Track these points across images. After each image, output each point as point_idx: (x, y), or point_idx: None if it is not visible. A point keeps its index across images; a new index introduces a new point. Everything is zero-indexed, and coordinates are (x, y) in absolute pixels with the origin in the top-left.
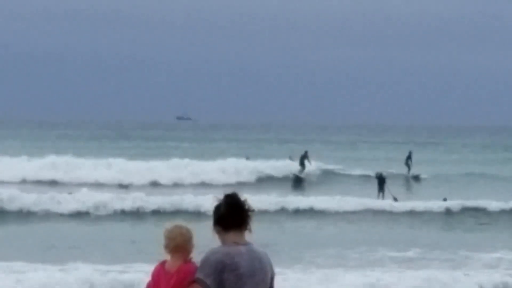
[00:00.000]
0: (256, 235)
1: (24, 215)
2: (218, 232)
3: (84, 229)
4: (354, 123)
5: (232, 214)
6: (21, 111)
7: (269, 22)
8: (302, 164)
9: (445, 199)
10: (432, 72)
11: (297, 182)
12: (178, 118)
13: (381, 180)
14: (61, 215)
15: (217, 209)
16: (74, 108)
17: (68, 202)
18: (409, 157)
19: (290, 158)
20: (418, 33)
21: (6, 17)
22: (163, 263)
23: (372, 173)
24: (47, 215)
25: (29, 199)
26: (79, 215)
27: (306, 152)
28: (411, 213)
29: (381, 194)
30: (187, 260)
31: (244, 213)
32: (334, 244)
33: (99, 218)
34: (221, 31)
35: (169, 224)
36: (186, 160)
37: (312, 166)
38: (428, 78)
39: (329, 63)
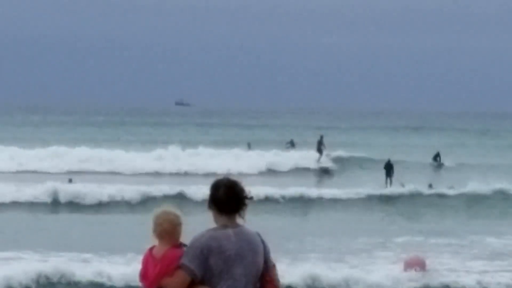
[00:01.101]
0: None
1: None
2: (212, 211)
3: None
4: (357, 108)
5: (230, 200)
6: (18, 96)
7: (270, 6)
8: (319, 150)
9: (430, 185)
10: (438, 57)
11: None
12: (177, 103)
13: (388, 168)
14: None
15: (216, 189)
16: (71, 94)
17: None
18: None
19: (248, 145)
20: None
21: None
22: (151, 249)
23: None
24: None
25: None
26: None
27: (321, 137)
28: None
29: (388, 181)
30: (175, 245)
31: (242, 200)
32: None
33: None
34: (221, 16)
35: (157, 209)
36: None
37: (327, 151)
38: (431, 63)
39: (332, 49)
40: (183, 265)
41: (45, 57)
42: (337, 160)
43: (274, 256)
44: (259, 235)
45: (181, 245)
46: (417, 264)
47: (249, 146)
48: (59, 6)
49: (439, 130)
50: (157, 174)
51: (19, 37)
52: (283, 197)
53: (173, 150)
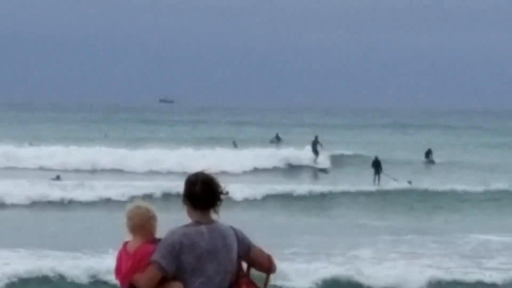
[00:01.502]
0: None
1: None
2: (187, 206)
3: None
4: (346, 106)
5: (206, 195)
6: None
7: (256, 2)
8: (315, 151)
9: (410, 182)
10: (424, 55)
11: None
12: (161, 100)
13: (376, 164)
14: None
15: (191, 184)
16: (54, 91)
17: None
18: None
19: (234, 144)
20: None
21: None
22: (125, 244)
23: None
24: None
25: None
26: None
27: (316, 138)
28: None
29: (377, 178)
30: (149, 241)
31: (218, 196)
32: None
33: None
34: (204, 13)
35: (129, 204)
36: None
37: (324, 151)
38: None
39: (318, 47)
40: (154, 262)
41: (27, 54)
42: (332, 158)
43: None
44: (234, 229)
45: (155, 241)
46: None
47: (235, 144)
48: (40, 3)
49: (427, 128)
50: (147, 173)
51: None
52: (267, 196)
53: (159, 149)
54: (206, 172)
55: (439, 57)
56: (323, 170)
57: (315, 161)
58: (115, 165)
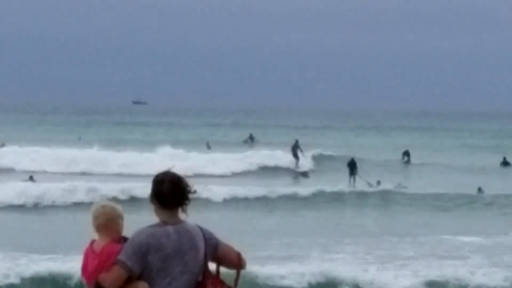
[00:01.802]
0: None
1: None
2: (154, 205)
3: None
4: (320, 108)
5: (175, 195)
6: None
7: (229, 3)
8: (295, 155)
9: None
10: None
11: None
12: (134, 102)
13: (352, 166)
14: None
15: (160, 183)
16: (26, 92)
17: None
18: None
19: (207, 145)
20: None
21: None
22: (92, 243)
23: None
24: None
25: None
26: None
27: (296, 142)
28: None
29: (352, 179)
30: (115, 240)
31: (186, 194)
32: None
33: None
34: (177, 14)
35: (95, 203)
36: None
37: (305, 155)
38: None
39: (290, 47)
40: (120, 261)
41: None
42: (313, 159)
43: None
44: (201, 228)
45: (121, 239)
46: None
47: (208, 146)
48: (12, 4)
49: (405, 129)
50: (120, 175)
51: None
52: (247, 198)
53: (134, 151)
54: (174, 171)
55: (421, 59)
56: (304, 174)
57: (296, 165)
58: (89, 167)
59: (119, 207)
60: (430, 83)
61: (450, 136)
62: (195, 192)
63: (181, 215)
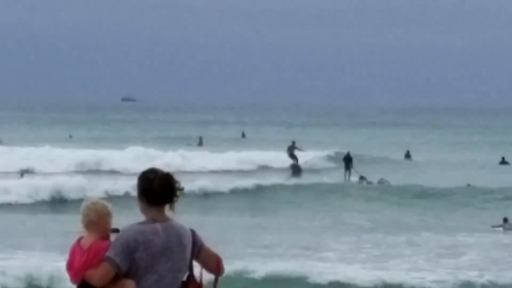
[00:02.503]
0: None
1: None
2: (142, 203)
3: None
4: (312, 104)
5: (164, 192)
6: None
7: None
8: (292, 155)
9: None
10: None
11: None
12: (124, 99)
13: (347, 160)
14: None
15: (148, 181)
16: (14, 89)
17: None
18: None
19: (200, 139)
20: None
21: None
22: (79, 239)
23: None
24: None
25: None
26: None
27: (293, 143)
28: None
29: (347, 174)
30: (103, 237)
31: (175, 191)
32: None
33: None
34: (166, 11)
35: (85, 200)
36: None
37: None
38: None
39: (282, 43)
40: (108, 258)
41: None
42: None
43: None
44: (191, 229)
45: (109, 237)
46: None
47: (201, 140)
48: (1, 1)
49: (401, 126)
50: (111, 172)
51: None
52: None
53: (118, 149)
54: (163, 170)
55: (415, 54)
56: (295, 170)
57: (293, 168)
58: (82, 165)
59: (109, 205)
60: (423, 79)
61: (446, 132)
62: (183, 189)
63: (168, 213)
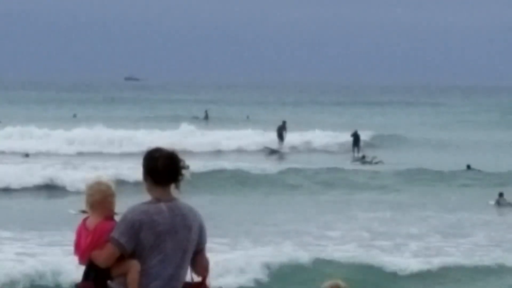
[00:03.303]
0: None
1: None
2: (147, 183)
3: None
4: (305, 82)
5: (169, 171)
6: None
7: None
8: (280, 136)
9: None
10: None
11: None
12: (127, 79)
13: (356, 138)
14: None
15: (153, 160)
16: (17, 69)
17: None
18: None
19: (206, 114)
20: None
21: None
22: (85, 220)
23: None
24: None
25: None
26: None
27: (284, 123)
28: None
29: (356, 150)
30: (108, 217)
31: (180, 171)
32: None
33: None
34: None
35: (89, 180)
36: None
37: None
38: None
39: (285, 23)
40: (113, 239)
41: None
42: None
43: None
44: (192, 210)
45: (113, 217)
46: None
47: (207, 114)
48: None
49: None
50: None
51: None
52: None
53: (135, 129)
54: (169, 148)
55: (415, 33)
56: (273, 152)
57: (279, 146)
58: (89, 146)
59: (113, 185)
60: (423, 57)
61: (447, 111)
62: (188, 167)
63: (174, 192)
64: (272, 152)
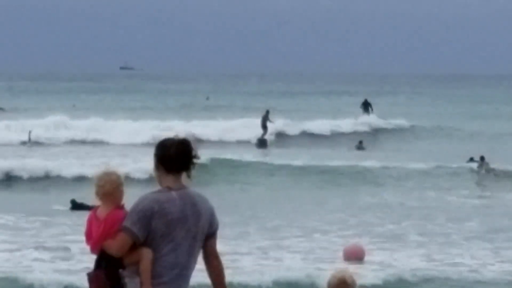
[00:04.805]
0: None
1: None
2: (158, 171)
3: None
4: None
5: (179, 158)
6: None
7: None
8: (264, 126)
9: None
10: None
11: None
12: (122, 68)
13: (366, 105)
14: None
15: (166, 148)
16: (12, 59)
17: None
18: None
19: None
20: None
21: None
22: (95, 210)
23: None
24: None
25: None
26: None
27: (267, 112)
28: None
29: (366, 114)
30: (118, 207)
31: (191, 159)
32: None
33: None
34: None
35: (98, 170)
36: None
37: (274, 125)
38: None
39: (284, 12)
40: (125, 228)
41: None
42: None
43: None
44: (203, 197)
45: (122, 207)
46: (355, 254)
47: (208, 98)
48: None
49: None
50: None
51: None
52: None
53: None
54: (182, 137)
55: (417, 22)
56: (262, 143)
57: (262, 136)
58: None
59: (121, 175)
60: (425, 46)
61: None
62: (199, 158)
63: (184, 181)
64: (261, 143)
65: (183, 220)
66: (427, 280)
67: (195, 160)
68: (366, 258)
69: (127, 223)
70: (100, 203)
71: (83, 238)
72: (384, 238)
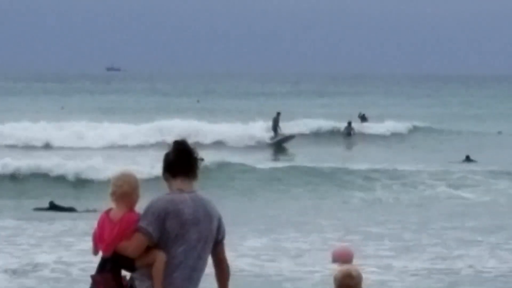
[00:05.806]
0: None
1: None
2: (167, 179)
3: None
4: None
5: (180, 161)
6: None
7: None
8: (274, 129)
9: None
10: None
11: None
12: (108, 69)
13: (363, 119)
14: None
15: (167, 156)
16: None
17: None
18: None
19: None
20: None
21: None
22: (108, 211)
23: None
24: None
25: None
26: None
27: (278, 115)
28: None
29: (364, 122)
30: (132, 209)
31: (192, 160)
32: None
33: None
34: None
35: (116, 171)
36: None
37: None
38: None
39: (276, 11)
40: (141, 228)
41: None
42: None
43: None
44: (211, 202)
45: (135, 210)
46: (344, 257)
47: (198, 101)
48: None
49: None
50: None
51: None
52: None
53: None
54: (179, 139)
55: (416, 23)
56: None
57: (272, 138)
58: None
59: (138, 177)
60: (427, 47)
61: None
62: (202, 160)
63: (193, 185)
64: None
65: (195, 222)
66: (424, 279)
67: (198, 161)
68: (355, 260)
69: (142, 223)
70: (114, 204)
71: None
72: (378, 239)
